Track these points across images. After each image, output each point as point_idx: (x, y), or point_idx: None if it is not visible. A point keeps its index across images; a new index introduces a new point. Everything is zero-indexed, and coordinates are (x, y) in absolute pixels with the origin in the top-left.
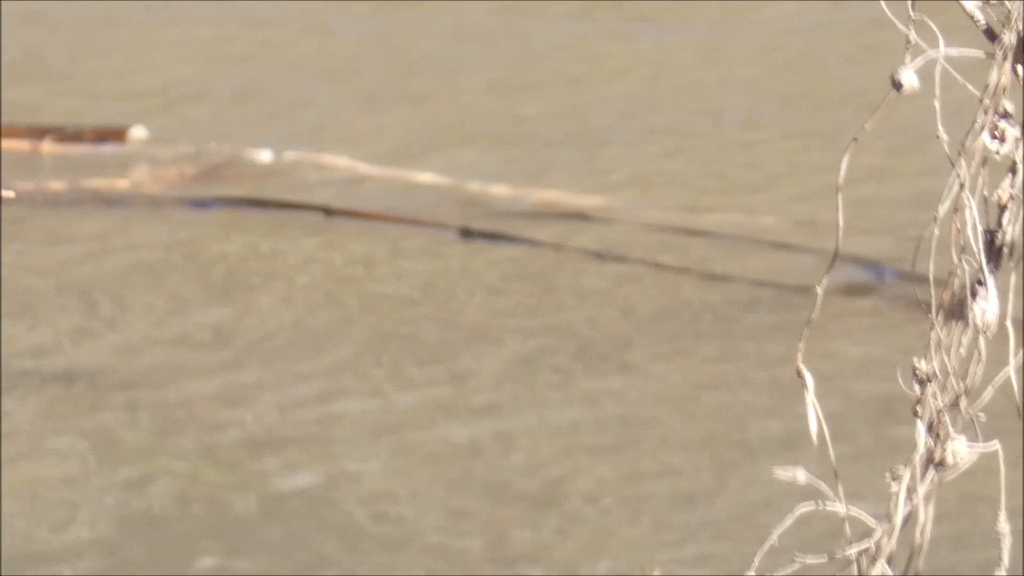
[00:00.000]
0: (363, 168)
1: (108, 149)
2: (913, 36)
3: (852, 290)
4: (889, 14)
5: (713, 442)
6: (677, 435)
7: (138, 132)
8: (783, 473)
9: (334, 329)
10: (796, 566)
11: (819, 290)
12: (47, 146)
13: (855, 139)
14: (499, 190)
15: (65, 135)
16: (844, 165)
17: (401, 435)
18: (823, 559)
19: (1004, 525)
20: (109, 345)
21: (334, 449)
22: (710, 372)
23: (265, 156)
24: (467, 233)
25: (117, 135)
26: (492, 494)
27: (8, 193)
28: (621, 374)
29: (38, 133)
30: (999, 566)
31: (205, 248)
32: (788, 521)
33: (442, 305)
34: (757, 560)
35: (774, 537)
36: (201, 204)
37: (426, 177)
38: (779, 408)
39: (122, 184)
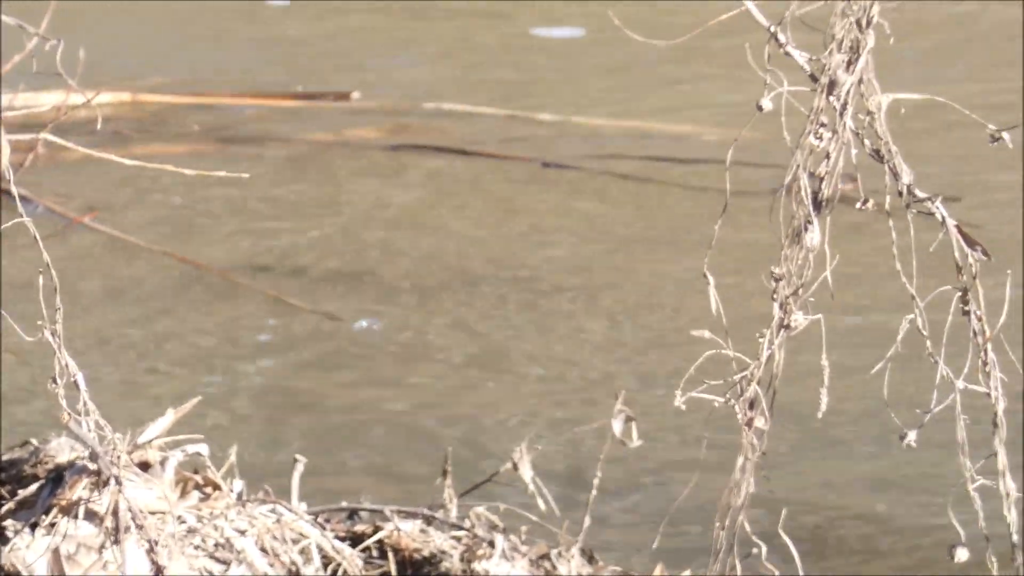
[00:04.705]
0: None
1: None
2: (768, 78)
3: None
4: (753, 64)
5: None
6: None
7: (356, 95)
8: (696, 333)
9: None
10: (704, 386)
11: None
12: (293, 103)
13: (735, 140)
14: None
15: (303, 96)
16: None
17: None
18: (720, 382)
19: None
20: None
21: None
22: None
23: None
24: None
25: (344, 96)
26: None
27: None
28: None
29: (292, 96)
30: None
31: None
32: (700, 360)
33: None
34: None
35: (691, 370)
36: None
37: None
38: None
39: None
